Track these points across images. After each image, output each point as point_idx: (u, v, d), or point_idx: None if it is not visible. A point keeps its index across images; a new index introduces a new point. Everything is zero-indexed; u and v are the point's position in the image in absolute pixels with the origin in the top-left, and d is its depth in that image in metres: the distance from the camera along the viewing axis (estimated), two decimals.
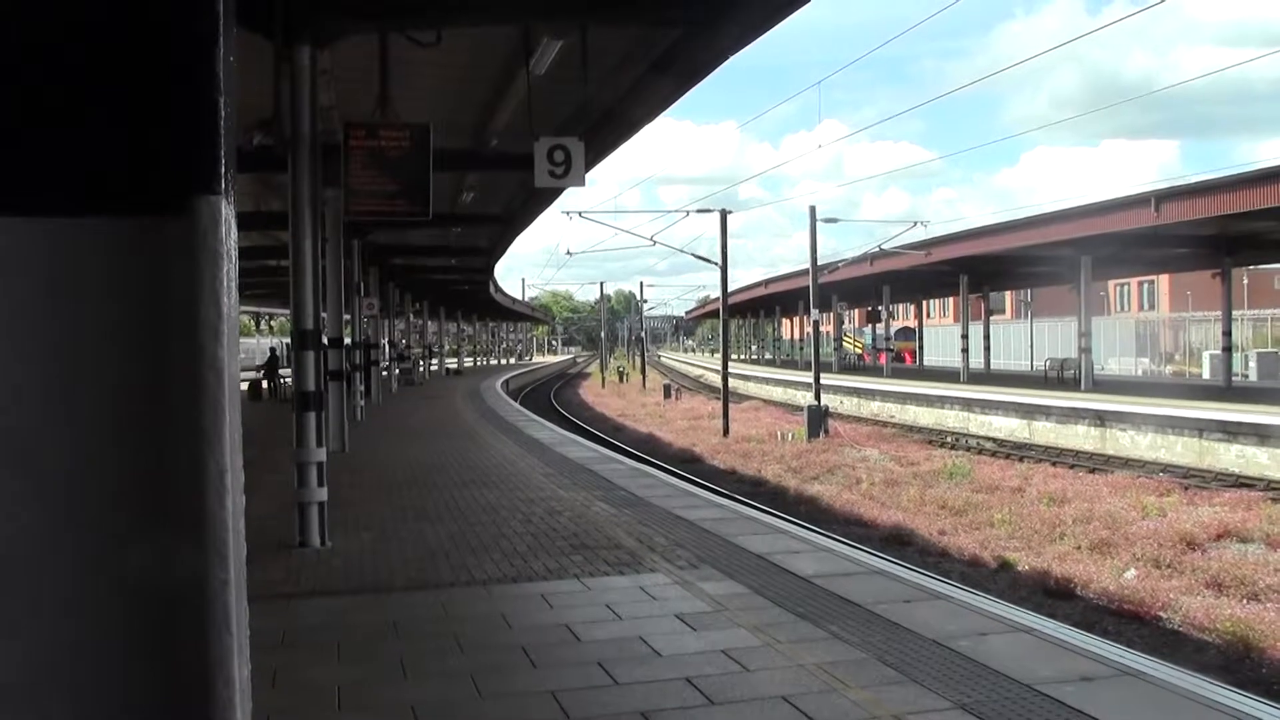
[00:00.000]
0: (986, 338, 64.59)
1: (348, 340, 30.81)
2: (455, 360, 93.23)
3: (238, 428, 1.68)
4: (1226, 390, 42.23)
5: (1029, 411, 38.10)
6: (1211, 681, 7.77)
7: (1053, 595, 16.00)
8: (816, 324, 46.17)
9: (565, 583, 10.55)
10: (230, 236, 1.70)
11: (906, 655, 7.87)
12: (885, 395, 50.64)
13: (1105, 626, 14.13)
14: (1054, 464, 30.75)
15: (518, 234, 43.01)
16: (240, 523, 1.68)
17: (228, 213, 1.68)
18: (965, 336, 58.40)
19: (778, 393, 66.15)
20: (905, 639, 8.33)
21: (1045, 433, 36.53)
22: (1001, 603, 9.40)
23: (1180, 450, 30.45)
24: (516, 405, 44.29)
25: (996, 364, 65.67)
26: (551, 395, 72.00)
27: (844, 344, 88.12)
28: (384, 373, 47.83)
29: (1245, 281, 76.71)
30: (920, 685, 7.19)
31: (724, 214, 44.12)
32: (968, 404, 42.61)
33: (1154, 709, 6.74)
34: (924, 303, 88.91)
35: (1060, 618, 12.46)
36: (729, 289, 46.24)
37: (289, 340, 13.37)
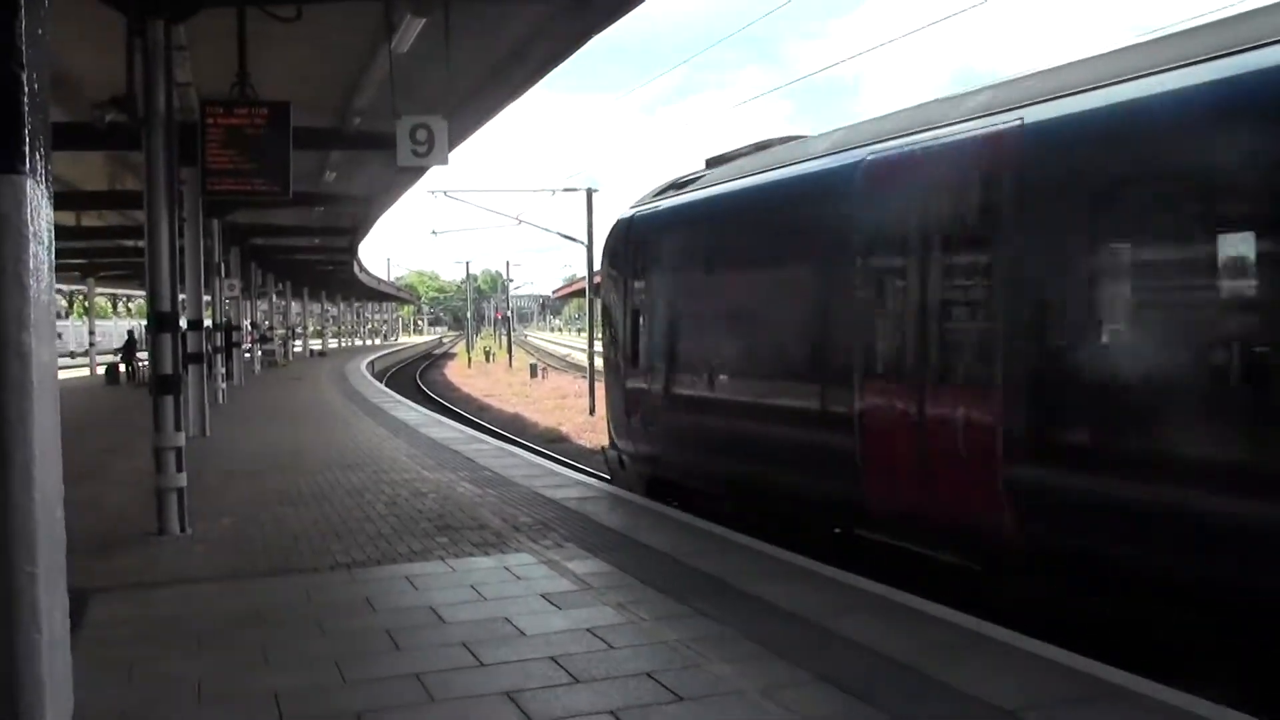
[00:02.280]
0: None
1: (208, 322, 30.28)
2: (319, 341, 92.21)
3: (52, 414, 1.62)
4: None
5: None
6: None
7: None
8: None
9: (430, 564, 10.49)
10: (41, 217, 1.62)
11: (770, 630, 7.95)
12: None
13: None
14: None
15: (381, 213, 42.63)
16: (56, 512, 1.61)
17: (35, 192, 1.60)
18: None
19: None
20: (768, 613, 8.41)
21: None
22: (869, 582, 9.47)
23: None
24: (382, 386, 43.97)
25: None
26: (417, 376, 71.36)
27: None
28: (246, 355, 47.17)
29: None
30: (784, 659, 7.27)
31: (589, 193, 44.23)
32: None
33: (1015, 678, 6.87)
34: None
35: None
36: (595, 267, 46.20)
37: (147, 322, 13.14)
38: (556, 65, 18.85)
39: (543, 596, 9.14)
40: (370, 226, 48.27)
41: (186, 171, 16.68)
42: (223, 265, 35.21)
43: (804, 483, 11.86)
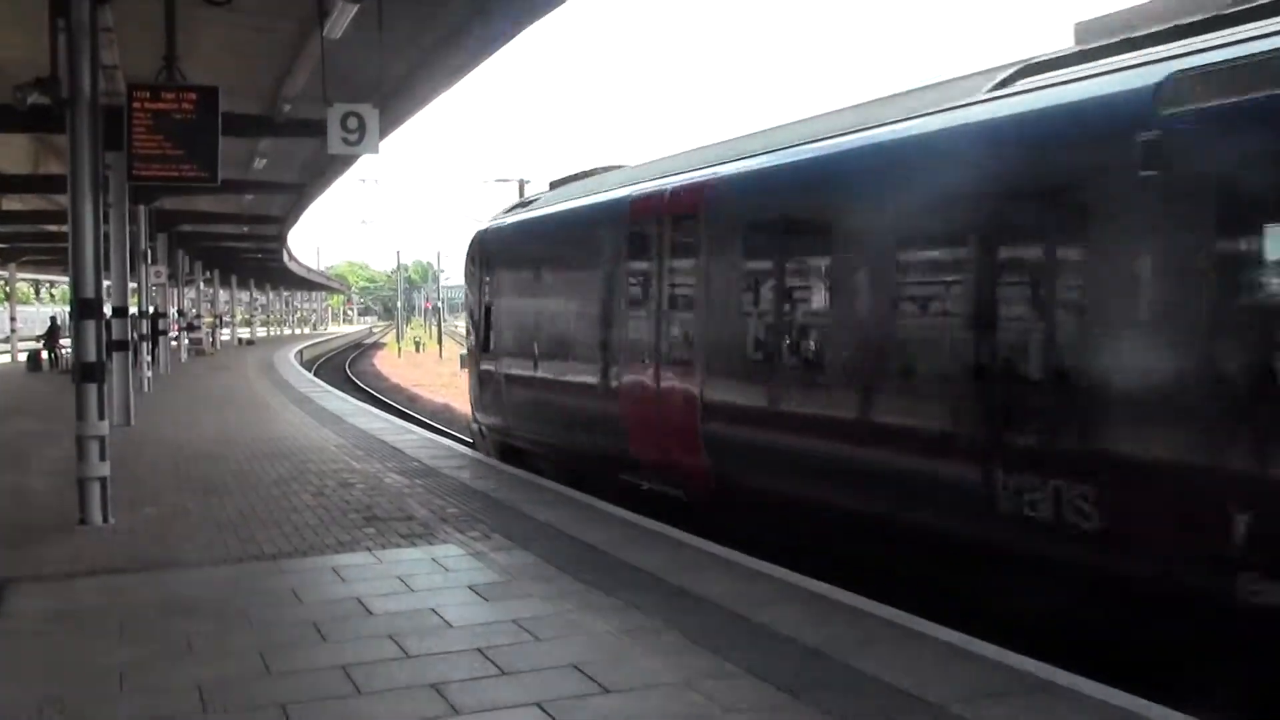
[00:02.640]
0: None
1: (134, 309, 29.96)
2: (248, 330, 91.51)
3: None
4: None
5: None
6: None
7: None
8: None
9: (357, 555, 10.44)
10: None
11: (696, 622, 7.98)
12: None
13: None
14: None
15: (312, 201, 42.34)
16: None
17: None
18: None
19: None
20: (695, 605, 8.44)
21: None
22: (791, 574, 9.54)
23: None
24: (310, 376, 43.71)
25: None
26: (346, 366, 70.94)
27: None
28: (173, 343, 46.72)
29: None
30: (710, 651, 7.29)
31: (521, 184, 44.30)
32: None
33: (940, 670, 6.93)
34: None
35: None
36: None
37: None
38: (492, 53, 18.82)
39: (469, 588, 9.13)
40: (300, 215, 47.94)
41: (112, 156, 16.44)
42: (149, 252, 34.81)
43: (592, 441, 15.41)
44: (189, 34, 16.04)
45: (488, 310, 19.73)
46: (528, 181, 45.19)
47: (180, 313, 52.82)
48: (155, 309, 39.19)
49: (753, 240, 12.18)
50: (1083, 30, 9.13)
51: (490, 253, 20.12)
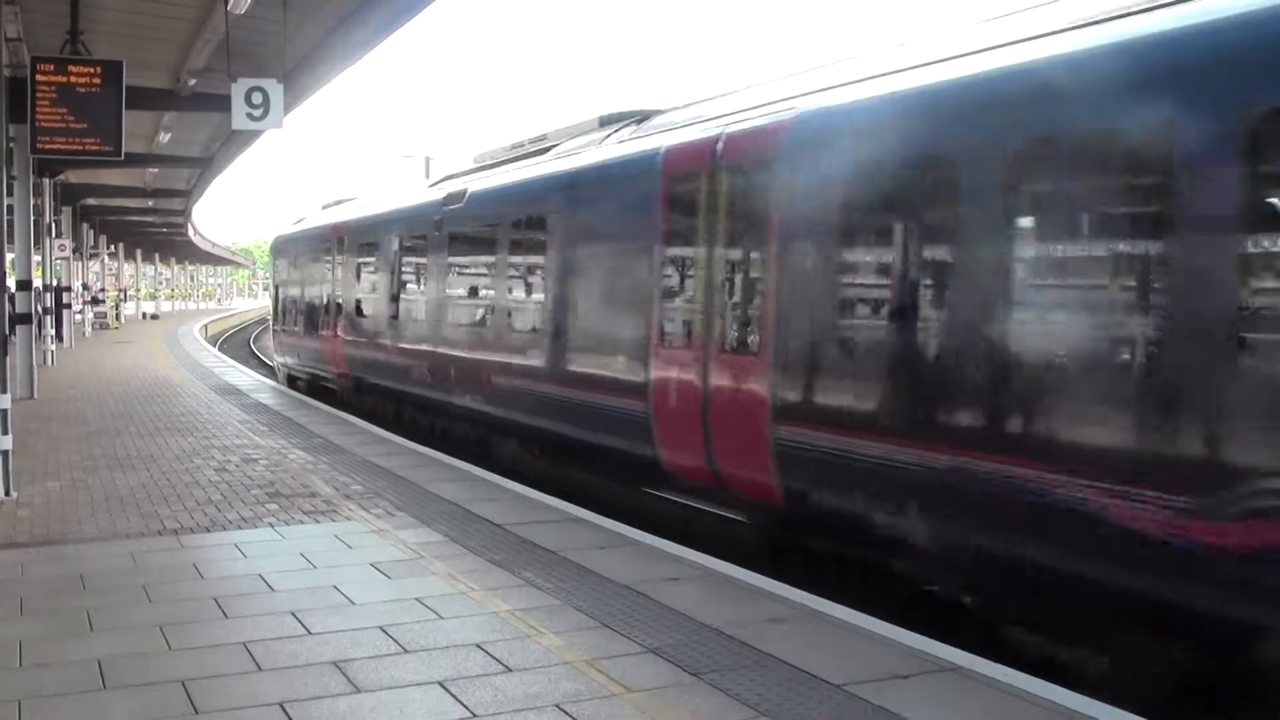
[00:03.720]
0: None
1: (38, 283, 29.55)
2: (153, 304, 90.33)
3: None
4: None
5: None
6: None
7: None
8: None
9: (260, 531, 10.46)
10: None
11: (599, 601, 8.09)
12: None
13: None
14: None
15: (217, 176, 41.93)
16: None
17: None
18: None
19: None
20: (598, 585, 8.56)
21: None
22: (686, 549, 9.68)
23: None
24: (215, 351, 43.27)
25: None
26: (251, 341, 70.20)
27: None
28: (77, 317, 46.06)
29: None
30: (612, 630, 7.42)
31: (427, 160, 44.50)
32: None
33: (842, 649, 7.10)
34: None
35: None
36: None
37: None
38: (398, 28, 18.77)
39: (372, 565, 9.17)
40: (205, 189, 47.43)
41: (16, 128, 16.29)
42: (53, 225, 34.34)
43: (321, 365, 26.23)
44: (93, 8, 15.88)
45: (277, 290, 32.18)
46: (432, 159, 45.21)
47: (84, 286, 52.04)
48: (59, 282, 38.64)
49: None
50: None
51: (280, 250, 31.88)
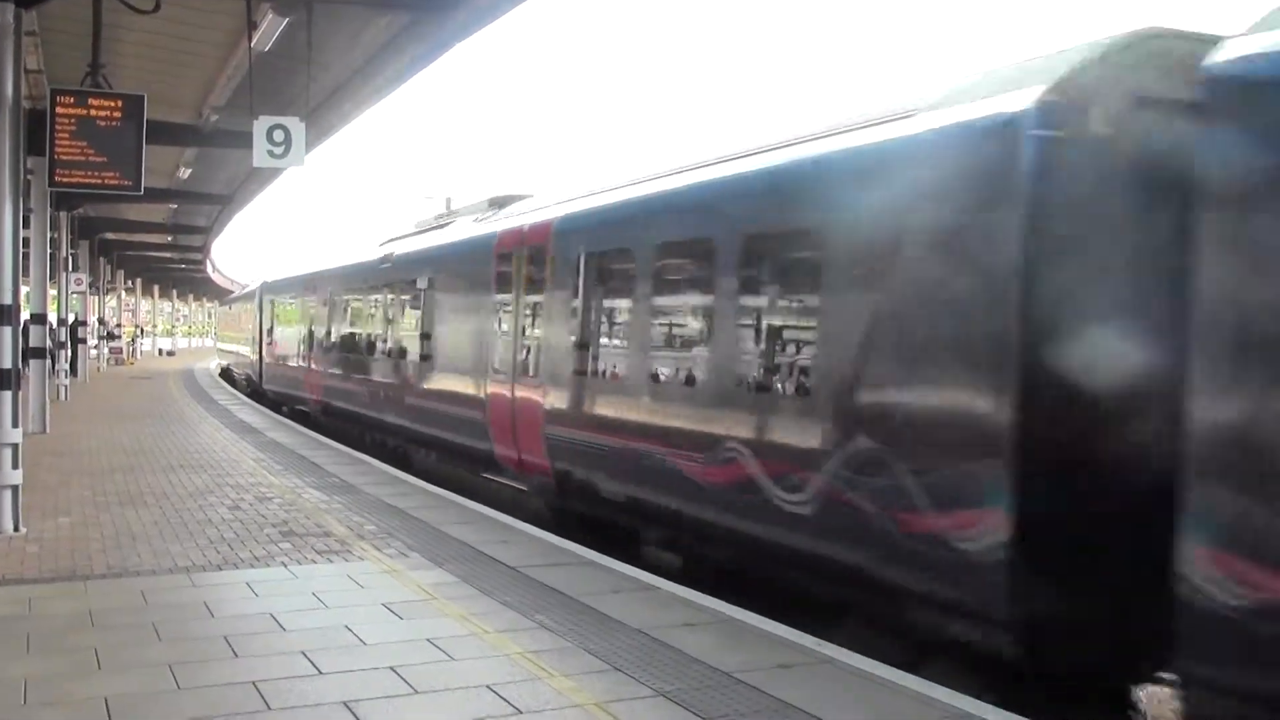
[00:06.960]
0: None
1: (52, 317, 29.61)
2: (169, 340, 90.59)
3: None
4: None
5: None
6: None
7: None
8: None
9: (272, 570, 10.36)
10: None
11: (611, 644, 7.99)
12: None
13: None
14: None
15: (237, 212, 42.12)
16: None
17: None
18: None
19: None
20: (611, 628, 8.45)
21: None
22: (701, 595, 9.60)
23: None
24: (229, 388, 43.35)
25: None
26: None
27: None
28: (92, 352, 46.18)
29: None
30: (623, 673, 7.31)
31: (448, 201, 44.59)
32: None
33: (852, 696, 6.99)
34: None
35: None
36: None
37: None
38: (421, 69, 18.80)
39: (384, 605, 9.08)
40: (225, 225, 47.65)
41: (34, 161, 16.30)
42: (70, 259, 34.45)
43: (296, 389, 31.63)
44: (115, 41, 15.92)
45: (265, 329, 38.40)
46: (452, 199, 45.44)
47: (100, 321, 52.21)
48: (75, 317, 38.74)
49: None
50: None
51: (267, 291, 38.50)
